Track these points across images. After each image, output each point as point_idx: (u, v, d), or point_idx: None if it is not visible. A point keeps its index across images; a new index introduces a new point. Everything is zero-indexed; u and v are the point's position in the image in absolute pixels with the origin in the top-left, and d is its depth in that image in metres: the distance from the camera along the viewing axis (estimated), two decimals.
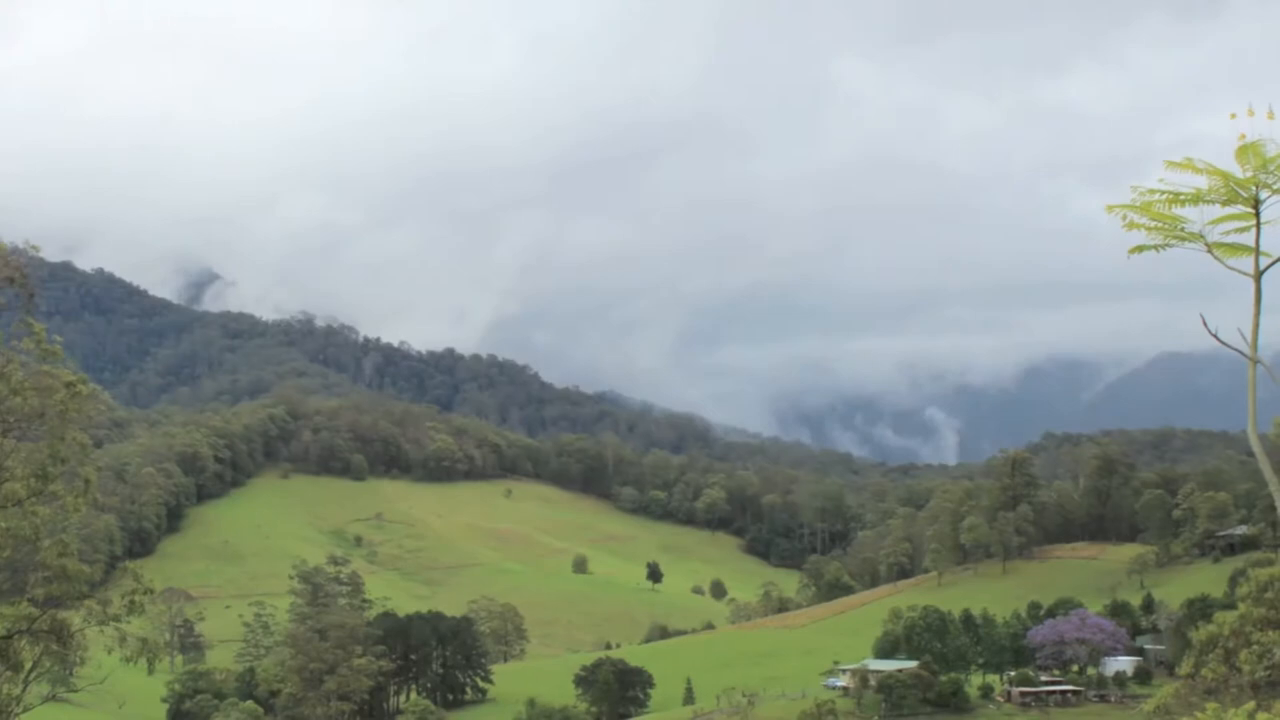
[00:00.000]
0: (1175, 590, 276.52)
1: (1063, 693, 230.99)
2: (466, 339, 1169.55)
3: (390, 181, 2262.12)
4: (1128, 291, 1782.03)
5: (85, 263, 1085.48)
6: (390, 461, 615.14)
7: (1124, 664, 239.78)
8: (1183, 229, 16.37)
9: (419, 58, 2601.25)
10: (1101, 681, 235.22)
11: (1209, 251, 16.44)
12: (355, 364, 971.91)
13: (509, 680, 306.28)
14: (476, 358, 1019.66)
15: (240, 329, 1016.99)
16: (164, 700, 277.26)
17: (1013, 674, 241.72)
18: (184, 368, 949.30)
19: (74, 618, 48.47)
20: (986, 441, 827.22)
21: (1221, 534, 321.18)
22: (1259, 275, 16.21)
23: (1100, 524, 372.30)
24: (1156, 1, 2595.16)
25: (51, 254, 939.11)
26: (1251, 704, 28.37)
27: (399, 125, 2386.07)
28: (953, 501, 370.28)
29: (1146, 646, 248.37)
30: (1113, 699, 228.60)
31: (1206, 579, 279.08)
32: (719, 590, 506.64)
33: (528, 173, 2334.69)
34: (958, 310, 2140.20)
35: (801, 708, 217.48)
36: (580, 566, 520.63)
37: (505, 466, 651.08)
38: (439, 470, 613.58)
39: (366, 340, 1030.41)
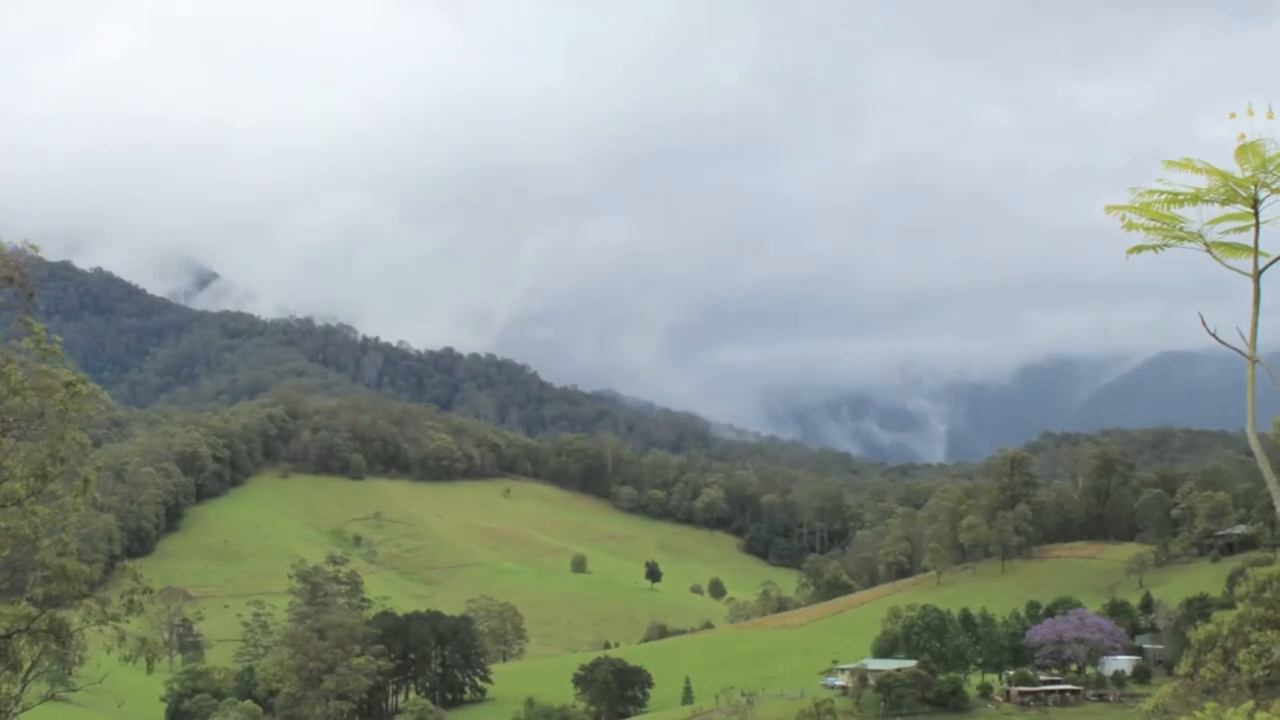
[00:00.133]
0: (1174, 590, 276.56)
1: (1061, 692, 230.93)
2: (471, 339, 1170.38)
3: (421, 183, 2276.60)
4: (1127, 291, 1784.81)
5: (99, 262, 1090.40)
6: (389, 461, 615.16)
7: (1123, 663, 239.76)
8: (1181, 229, 16.39)
9: (461, 62, 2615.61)
10: (1100, 681, 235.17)
11: (1208, 251, 16.45)
12: (354, 363, 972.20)
13: (508, 680, 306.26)
14: (475, 357, 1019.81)
15: (239, 328, 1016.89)
16: (163, 699, 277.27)
17: (1011, 673, 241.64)
18: (183, 367, 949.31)
19: (73, 617, 48.47)
20: (985, 441, 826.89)
21: (1220, 533, 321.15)
22: (1258, 275, 16.22)
23: (1099, 523, 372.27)
24: (1189, 8, 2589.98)
25: (55, 253, 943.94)
26: (1250, 703, 28.38)
27: (432, 128, 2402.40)
28: (951, 501, 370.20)
29: (1145, 646, 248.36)
30: (1111, 698, 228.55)
31: (1205, 578, 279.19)
32: (718, 590, 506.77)
33: (559, 175, 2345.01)
34: (957, 310, 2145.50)
35: (800, 707, 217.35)
36: (579, 566, 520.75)
37: (504, 466, 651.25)
38: (438, 470, 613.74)
39: (365, 340, 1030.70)
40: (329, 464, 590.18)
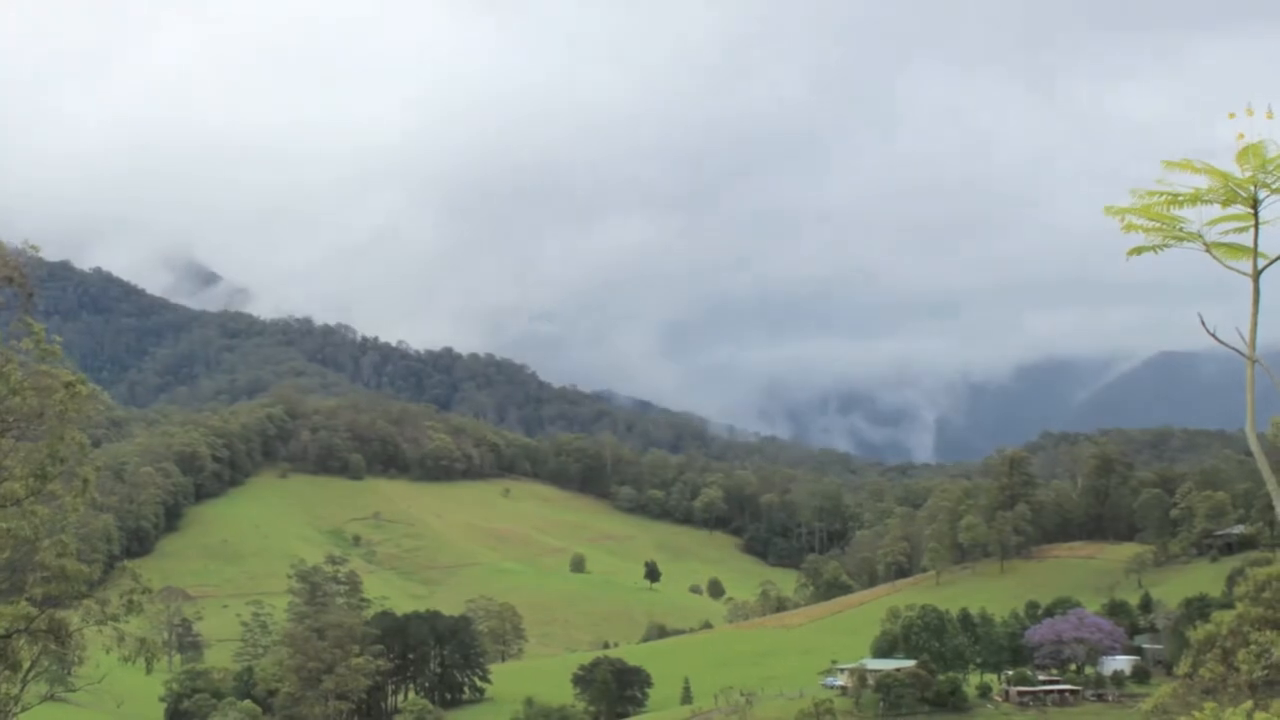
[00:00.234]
0: (1173, 589, 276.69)
1: (1060, 692, 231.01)
2: (470, 339, 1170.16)
3: (429, 184, 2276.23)
4: (1126, 291, 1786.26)
5: (100, 262, 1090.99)
6: (388, 461, 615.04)
7: (1122, 663, 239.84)
8: (1181, 229, 16.41)
9: (487, 62, 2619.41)
10: (1099, 681, 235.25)
11: (1207, 251, 16.46)
12: (353, 363, 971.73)
13: (507, 680, 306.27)
14: (475, 357, 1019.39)
15: (238, 328, 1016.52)
16: (162, 699, 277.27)
17: (1010, 673, 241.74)
18: (182, 367, 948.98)
19: (72, 617, 48.48)
20: (984, 441, 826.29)
21: (1219, 533, 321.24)
22: (1257, 275, 16.24)
23: (1098, 523, 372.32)
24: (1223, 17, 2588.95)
25: (61, 253, 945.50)
26: (1249, 703, 28.41)
27: (444, 130, 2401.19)
28: (950, 501, 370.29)
29: (1144, 646, 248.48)
30: (1110, 698, 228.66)
31: (1204, 578, 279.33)
32: (717, 589, 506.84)
33: (568, 175, 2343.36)
34: (957, 310, 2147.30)
35: (799, 707, 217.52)
36: (578, 566, 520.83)
37: (503, 466, 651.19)
38: (437, 470, 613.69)
39: (364, 339, 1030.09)
40: (328, 464, 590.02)
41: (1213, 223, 16.35)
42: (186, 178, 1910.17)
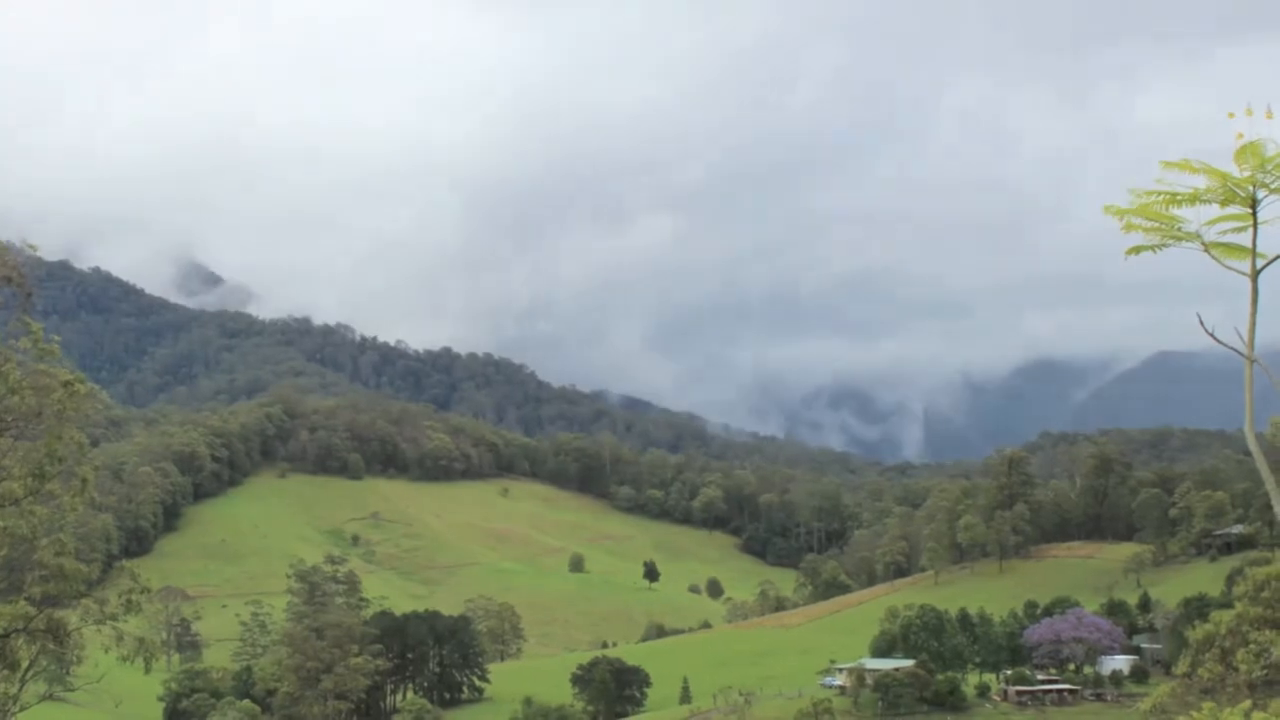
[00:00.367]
0: (1172, 589, 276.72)
1: (1059, 691, 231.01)
2: (469, 338, 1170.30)
3: (438, 185, 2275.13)
4: (1125, 291, 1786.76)
5: (99, 262, 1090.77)
6: (387, 461, 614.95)
7: (1120, 663, 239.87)
8: (1180, 229, 16.40)
9: (525, 69, 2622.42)
10: (1098, 680, 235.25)
11: (1206, 251, 16.46)
12: (352, 363, 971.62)
13: (506, 679, 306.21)
14: (473, 356, 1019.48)
15: (237, 328, 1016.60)
16: (160, 699, 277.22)
17: (1009, 673, 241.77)
18: (181, 367, 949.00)
19: (71, 617, 48.45)
20: (983, 441, 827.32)
21: (1218, 533, 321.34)
22: (1256, 275, 16.23)
23: (1097, 523, 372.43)
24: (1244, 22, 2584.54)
25: (64, 253, 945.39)
26: (1248, 703, 28.40)
27: (479, 133, 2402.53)
28: (949, 501, 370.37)
29: (1143, 645, 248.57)
30: (1109, 698, 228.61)
31: (1203, 578, 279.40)
32: (715, 589, 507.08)
33: (577, 179, 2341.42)
34: (956, 310, 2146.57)
35: (798, 707, 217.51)
36: (577, 565, 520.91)
37: (502, 466, 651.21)
38: (436, 469, 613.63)
39: (364, 339, 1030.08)
40: (327, 464, 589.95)
41: (1211, 222, 16.34)
42: (193, 178, 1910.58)
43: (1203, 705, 29.26)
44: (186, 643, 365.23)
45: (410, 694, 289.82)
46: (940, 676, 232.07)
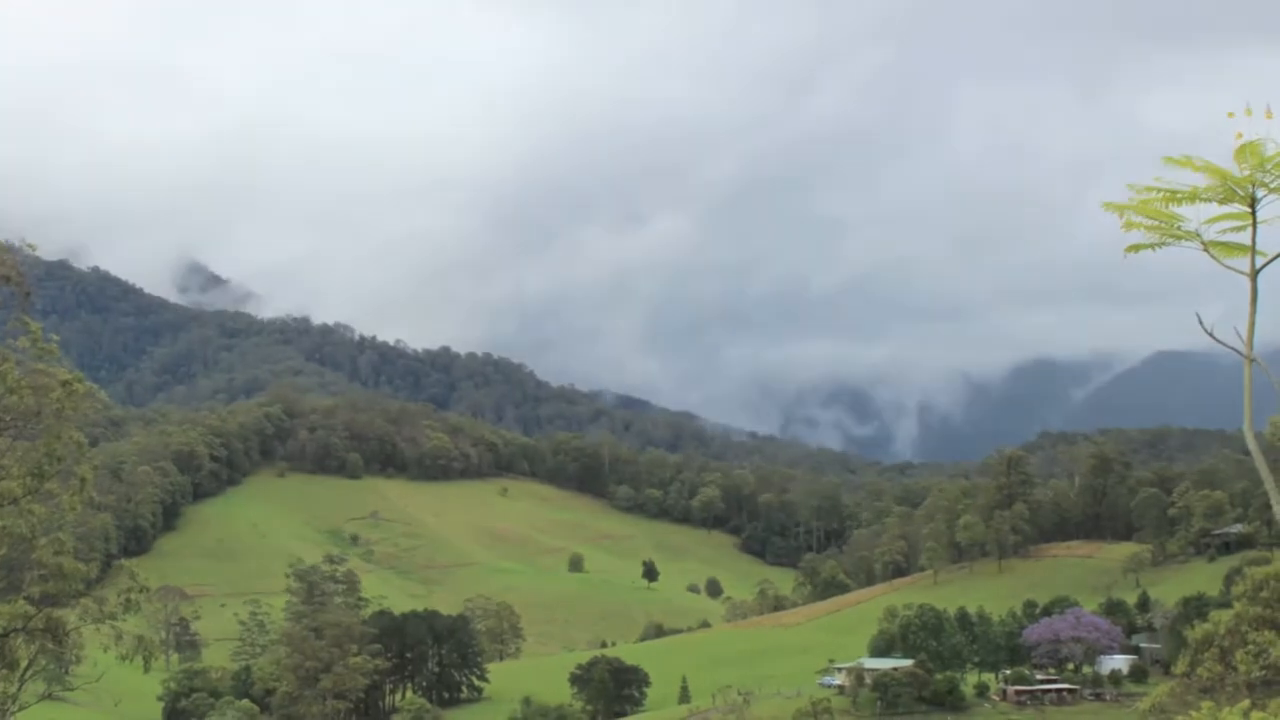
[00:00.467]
0: (1171, 589, 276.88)
1: (1058, 691, 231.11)
2: (468, 338, 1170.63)
3: (445, 186, 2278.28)
4: (1124, 290, 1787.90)
5: (99, 262, 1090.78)
6: (386, 460, 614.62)
7: (1119, 662, 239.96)
8: (1179, 228, 16.39)
9: (537, 69, 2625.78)
10: (1097, 680, 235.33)
11: (1205, 250, 16.45)
12: (351, 362, 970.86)
13: (504, 679, 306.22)
14: (473, 356, 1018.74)
15: (236, 327, 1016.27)
16: (159, 699, 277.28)
17: (1008, 672, 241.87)
18: (180, 366, 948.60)
19: (70, 616, 48.43)
20: (982, 440, 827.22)
21: (1217, 532, 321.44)
22: (1255, 274, 16.22)
23: (1096, 522, 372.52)
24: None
25: (67, 253, 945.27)
26: (1246, 702, 28.43)
27: (491, 135, 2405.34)
28: (948, 500, 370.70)
29: (1142, 645, 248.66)
30: (1108, 697, 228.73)
31: (1202, 578, 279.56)
32: (714, 589, 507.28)
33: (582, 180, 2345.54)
34: (954, 309, 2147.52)
35: (797, 706, 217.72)
36: (576, 565, 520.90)
37: (501, 465, 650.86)
38: (435, 469, 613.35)
39: (362, 339, 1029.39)
40: (326, 463, 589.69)
41: (1210, 221, 16.34)
42: (194, 179, 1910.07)
43: (1201, 705, 29.30)
44: (185, 642, 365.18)
45: (409, 693, 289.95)
46: (939, 676, 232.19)
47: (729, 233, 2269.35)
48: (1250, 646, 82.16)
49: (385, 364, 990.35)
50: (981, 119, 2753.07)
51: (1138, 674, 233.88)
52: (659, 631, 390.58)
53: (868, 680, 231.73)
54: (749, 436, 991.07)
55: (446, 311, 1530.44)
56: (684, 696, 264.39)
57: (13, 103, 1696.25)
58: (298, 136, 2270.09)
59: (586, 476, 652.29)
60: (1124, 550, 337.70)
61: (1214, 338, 16.34)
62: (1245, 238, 16.30)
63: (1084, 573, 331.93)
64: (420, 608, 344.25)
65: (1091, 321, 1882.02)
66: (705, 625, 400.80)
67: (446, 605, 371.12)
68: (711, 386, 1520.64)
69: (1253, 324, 16.25)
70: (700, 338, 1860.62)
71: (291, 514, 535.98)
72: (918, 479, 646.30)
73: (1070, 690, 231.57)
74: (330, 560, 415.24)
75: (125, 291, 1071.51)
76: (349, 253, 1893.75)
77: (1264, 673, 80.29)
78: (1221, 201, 16.16)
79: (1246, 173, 15.85)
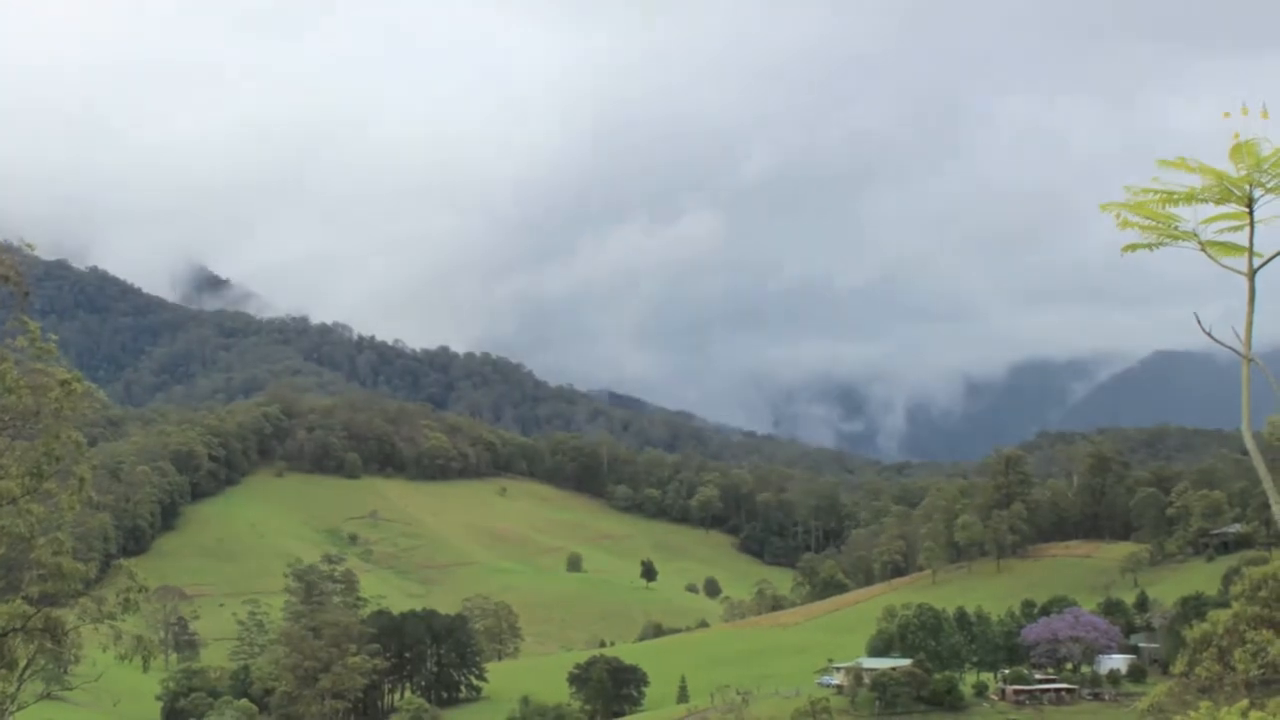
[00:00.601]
0: (1169, 588, 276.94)
1: (1057, 691, 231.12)
2: (466, 337, 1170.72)
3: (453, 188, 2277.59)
4: (1123, 290, 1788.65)
5: (98, 262, 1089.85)
6: (385, 460, 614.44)
7: (1118, 662, 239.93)
8: (1176, 228, 16.39)
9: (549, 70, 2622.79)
10: (1095, 680, 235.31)
11: (1202, 250, 16.45)
12: (350, 362, 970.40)
13: (503, 678, 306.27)
14: (471, 355, 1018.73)
15: (235, 327, 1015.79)
16: (158, 698, 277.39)
17: (1007, 672, 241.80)
18: (178, 366, 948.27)
19: (68, 615, 48.41)
20: (981, 440, 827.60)
21: (1215, 532, 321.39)
22: (1252, 274, 16.23)
23: (1094, 522, 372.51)
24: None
25: (69, 253, 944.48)
26: (1245, 702, 28.44)
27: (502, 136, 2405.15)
28: (947, 500, 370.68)
29: (1140, 645, 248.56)
30: (1107, 697, 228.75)
31: (1200, 577, 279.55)
32: (713, 588, 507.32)
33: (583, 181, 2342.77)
34: (955, 310, 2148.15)
35: (795, 706, 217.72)
36: (574, 565, 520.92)
37: (499, 465, 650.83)
38: (433, 468, 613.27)
39: (361, 338, 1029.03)
40: (324, 463, 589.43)
41: (1208, 221, 16.34)
42: (194, 179, 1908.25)
43: (1200, 704, 29.32)
44: (184, 642, 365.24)
45: (408, 693, 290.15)
46: (938, 676, 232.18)
47: (732, 234, 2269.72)
48: (1248, 646, 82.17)
49: (384, 364, 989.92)
50: (1005, 124, 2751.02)
51: (1136, 673, 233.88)
52: (657, 631, 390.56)
53: (866, 680, 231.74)
54: (746, 435, 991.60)
55: (446, 311, 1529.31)
56: (682, 696, 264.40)
57: (12, 102, 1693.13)
58: (298, 136, 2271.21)
59: (585, 476, 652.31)
60: (1122, 550, 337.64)
61: (1212, 337, 16.35)
62: (1242, 238, 16.30)
63: (1082, 572, 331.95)
64: (419, 607, 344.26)
65: (1090, 321, 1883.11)
66: (703, 625, 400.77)
67: (445, 605, 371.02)
68: (706, 384, 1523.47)
69: (1250, 324, 16.26)
70: (697, 336, 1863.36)
71: (290, 514, 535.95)
72: (915, 478, 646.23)
73: (1069, 690, 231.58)
74: (329, 560, 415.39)
75: (124, 291, 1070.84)
76: (349, 253, 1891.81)
77: (1262, 672, 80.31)
78: (1218, 202, 16.16)
79: (1243, 172, 15.86)
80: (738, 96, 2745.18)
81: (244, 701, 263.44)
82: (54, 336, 45.11)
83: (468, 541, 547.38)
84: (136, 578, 50.50)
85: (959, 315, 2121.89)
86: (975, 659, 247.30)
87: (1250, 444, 17.22)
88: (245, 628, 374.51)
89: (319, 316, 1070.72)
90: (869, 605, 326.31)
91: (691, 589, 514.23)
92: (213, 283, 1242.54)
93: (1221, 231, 16.42)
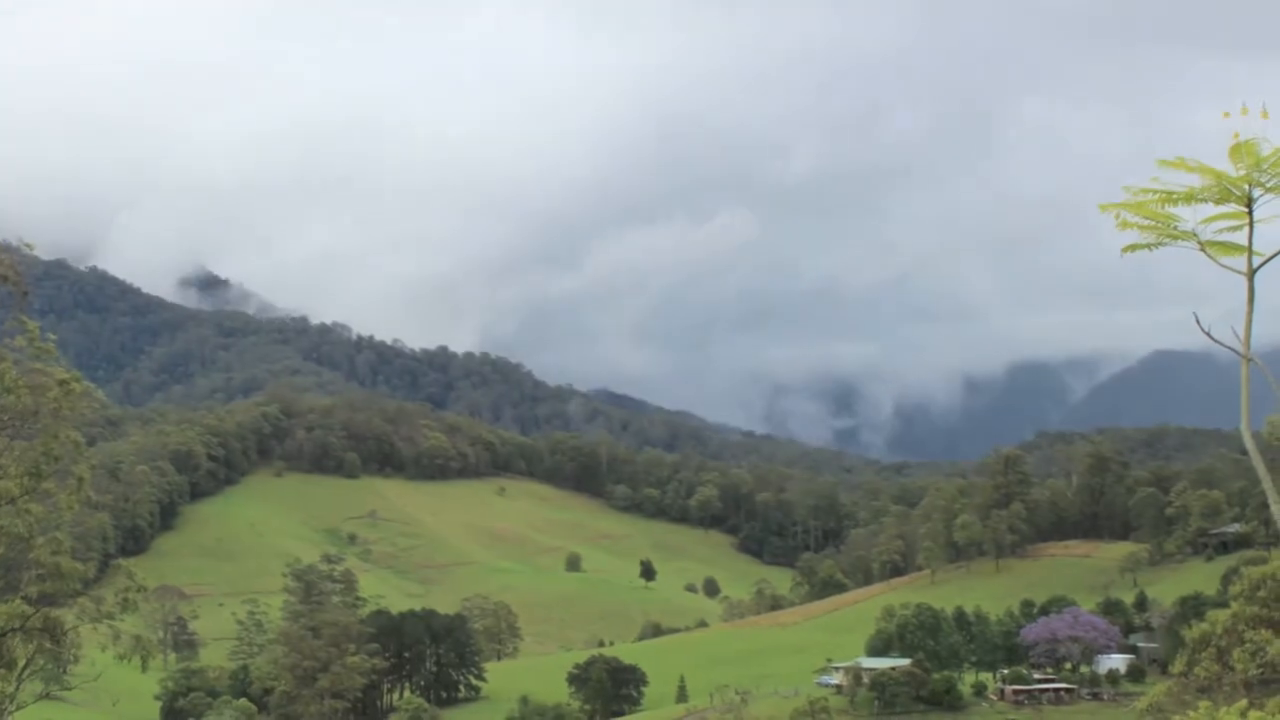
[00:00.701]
0: (1168, 588, 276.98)
1: (1056, 691, 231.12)
2: (465, 337, 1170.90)
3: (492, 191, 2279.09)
4: (1121, 290, 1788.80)
5: (98, 262, 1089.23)
6: (384, 459, 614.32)
7: (1117, 662, 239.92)
8: (1175, 228, 16.38)
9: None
10: (1094, 679, 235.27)
11: (1202, 250, 16.45)
12: (349, 362, 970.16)
13: (502, 678, 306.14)
14: (470, 355, 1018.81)
15: (234, 327, 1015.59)
16: (157, 698, 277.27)
17: (1006, 672, 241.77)
18: (178, 366, 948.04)
19: (67, 615, 48.45)
20: (980, 439, 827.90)
21: (1214, 532, 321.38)
22: (1252, 273, 16.22)
23: (1093, 522, 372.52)
24: None
25: (62, 252, 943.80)
26: (1244, 702, 28.41)
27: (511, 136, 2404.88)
28: (945, 499, 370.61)
29: (1139, 645, 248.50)
30: (1105, 697, 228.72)
31: (1199, 577, 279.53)
32: (712, 588, 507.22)
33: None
34: (954, 309, 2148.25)
35: (794, 705, 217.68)
36: (573, 564, 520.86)
37: (498, 464, 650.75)
38: (432, 468, 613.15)
39: (360, 338, 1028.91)
40: (323, 463, 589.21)
41: (1207, 221, 16.34)
42: (195, 180, 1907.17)
43: (1199, 704, 29.29)
44: (183, 641, 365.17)
45: (407, 693, 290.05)
46: (937, 675, 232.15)
47: (749, 237, 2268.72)
48: (1247, 645, 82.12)
49: (383, 363, 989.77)
50: (1025, 129, 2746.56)
51: (1135, 673, 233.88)
52: (656, 631, 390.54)
53: (865, 680, 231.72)
54: (745, 435, 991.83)
55: (445, 311, 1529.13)
56: (681, 696, 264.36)
57: (12, 102, 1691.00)
58: (298, 136, 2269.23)
59: (584, 476, 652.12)
60: (1121, 550, 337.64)
61: (1211, 337, 16.35)
62: (1242, 237, 16.30)
63: (1081, 572, 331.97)
64: (418, 607, 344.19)
65: (1090, 321, 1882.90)
66: (703, 625, 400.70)
67: (444, 605, 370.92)
68: (705, 384, 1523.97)
69: (1250, 323, 16.25)
70: (697, 336, 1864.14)
71: (289, 513, 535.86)
72: (914, 478, 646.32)
73: (1068, 690, 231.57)
74: (328, 560, 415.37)
75: (123, 291, 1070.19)
76: (349, 253, 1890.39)
77: (1261, 671, 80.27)
78: (1218, 201, 16.15)
79: (1242, 172, 15.85)
80: (759, 100, 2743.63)
81: (243, 701, 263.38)
82: (53, 336, 45.13)
83: (467, 541, 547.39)
84: (135, 577, 50.57)
85: (959, 315, 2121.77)
86: (974, 659, 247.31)
87: (1249, 444, 17.22)
88: (244, 627, 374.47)
89: (318, 316, 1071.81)
90: (868, 605, 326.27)
91: (690, 589, 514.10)
92: (212, 282, 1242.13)
93: (1221, 231, 16.41)
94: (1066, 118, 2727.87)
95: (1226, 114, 15.46)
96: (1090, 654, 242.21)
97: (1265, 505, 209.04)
